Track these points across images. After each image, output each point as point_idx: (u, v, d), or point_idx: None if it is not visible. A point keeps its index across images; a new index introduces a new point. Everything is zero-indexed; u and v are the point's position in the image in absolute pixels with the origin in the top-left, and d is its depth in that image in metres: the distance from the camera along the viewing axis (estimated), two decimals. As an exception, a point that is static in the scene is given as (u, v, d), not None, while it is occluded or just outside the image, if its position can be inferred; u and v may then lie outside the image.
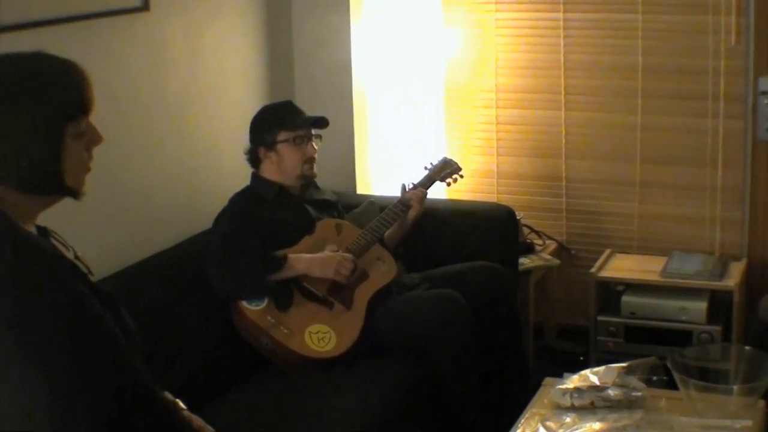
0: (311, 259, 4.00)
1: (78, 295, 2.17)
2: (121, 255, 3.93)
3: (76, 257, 2.37)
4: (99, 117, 2.33)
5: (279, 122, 4.20)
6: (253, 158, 4.23)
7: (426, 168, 4.59)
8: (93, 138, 2.28)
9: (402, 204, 4.34)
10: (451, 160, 4.69)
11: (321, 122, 4.27)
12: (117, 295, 2.36)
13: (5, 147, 2.17)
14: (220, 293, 3.89)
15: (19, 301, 2.09)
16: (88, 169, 2.29)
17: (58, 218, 2.42)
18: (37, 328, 2.09)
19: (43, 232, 2.34)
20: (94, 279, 2.36)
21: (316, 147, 4.24)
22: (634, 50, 5.07)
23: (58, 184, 2.24)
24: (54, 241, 2.35)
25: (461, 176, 4.66)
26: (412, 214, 4.35)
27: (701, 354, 3.52)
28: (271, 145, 4.18)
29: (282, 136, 4.18)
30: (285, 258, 3.94)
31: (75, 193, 2.28)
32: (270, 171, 4.21)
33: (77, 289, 2.18)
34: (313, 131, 4.24)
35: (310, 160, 4.22)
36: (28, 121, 2.17)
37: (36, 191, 2.25)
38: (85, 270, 2.35)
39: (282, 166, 4.19)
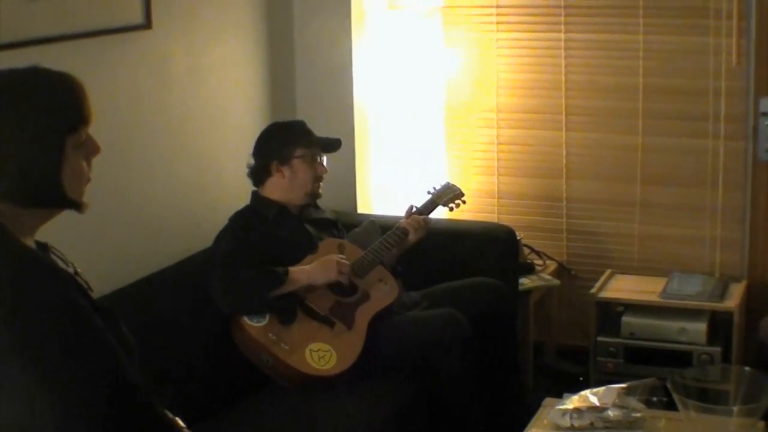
0: (311, 268, 4.02)
1: (76, 304, 2.18)
2: (121, 272, 3.93)
3: (76, 273, 2.38)
4: (101, 134, 2.34)
5: (296, 138, 4.23)
6: (261, 173, 4.23)
7: (429, 192, 4.60)
8: (92, 148, 2.30)
9: (402, 230, 4.35)
10: (453, 185, 4.69)
11: (335, 144, 4.30)
12: (116, 312, 2.37)
13: (7, 160, 2.18)
14: (223, 310, 3.90)
15: (17, 311, 2.10)
16: (89, 180, 2.30)
17: (60, 235, 2.43)
18: (34, 336, 2.10)
19: (43, 247, 2.35)
20: (93, 295, 2.36)
21: (326, 168, 4.27)
22: (635, 71, 5.08)
23: (59, 196, 2.25)
24: (54, 257, 2.36)
25: (464, 202, 4.66)
26: (411, 240, 4.36)
27: (701, 375, 3.52)
28: (286, 160, 4.19)
29: (299, 152, 4.20)
30: (286, 273, 3.94)
31: (77, 205, 2.29)
32: (275, 188, 4.21)
33: (75, 299, 2.19)
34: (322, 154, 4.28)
35: (320, 179, 4.25)
36: (29, 134, 2.19)
37: (38, 204, 2.26)
38: (84, 285, 2.36)
39: (294, 181, 4.20)
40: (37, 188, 2.23)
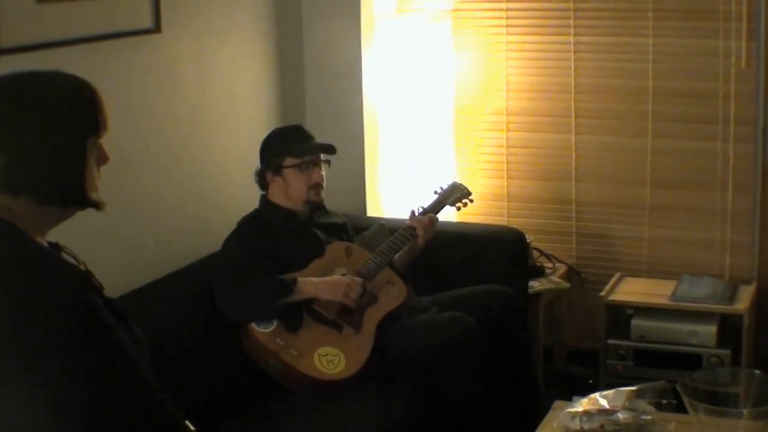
0: (320, 282, 4.00)
1: (90, 302, 2.20)
2: (130, 276, 3.93)
3: (87, 272, 2.39)
4: (110, 138, 2.36)
5: (286, 147, 4.21)
6: (261, 181, 4.24)
7: (436, 192, 4.58)
8: (102, 157, 2.34)
9: (409, 230, 4.33)
10: (460, 184, 4.67)
11: (329, 149, 4.27)
12: (126, 310, 2.38)
13: (32, 159, 2.22)
14: (228, 317, 3.89)
15: (31, 309, 2.11)
16: (97, 187, 2.35)
17: (68, 238, 2.44)
18: (48, 334, 2.11)
19: (55, 247, 2.37)
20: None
21: (323, 173, 4.24)
22: (644, 74, 5.07)
23: (81, 197, 2.30)
24: (66, 256, 2.37)
25: (471, 201, 4.64)
26: (419, 240, 4.34)
27: (711, 378, 3.50)
28: (277, 170, 4.18)
29: (288, 161, 4.18)
30: (295, 282, 3.94)
31: (97, 205, 2.34)
32: (277, 195, 4.21)
33: (89, 297, 2.21)
34: (322, 156, 4.25)
35: (316, 186, 4.21)
36: (55, 133, 2.24)
37: (59, 203, 2.29)
38: (97, 283, 2.37)
39: (288, 191, 4.19)
40: (61, 186, 2.26)
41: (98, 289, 2.32)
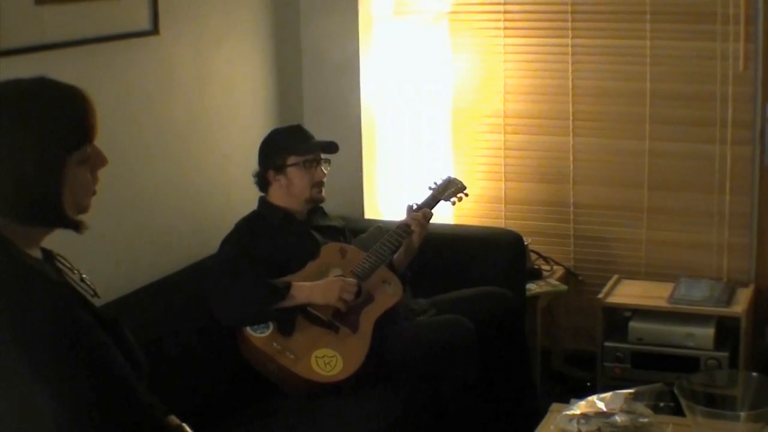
0: (313, 287, 3.98)
1: (77, 321, 2.15)
2: (127, 279, 3.93)
3: (82, 279, 2.36)
4: (108, 139, 2.34)
5: (289, 146, 4.20)
6: (262, 181, 4.23)
7: (430, 188, 4.55)
8: (98, 161, 2.25)
9: (404, 227, 4.32)
10: (455, 179, 4.62)
11: (331, 147, 4.27)
12: (119, 318, 2.35)
13: (6, 178, 2.14)
14: (222, 322, 3.88)
15: (16, 328, 2.07)
16: (94, 192, 2.27)
17: (65, 242, 2.42)
18: (34, 354, 2.07)
19: (48, 255, 2.32)
20: (98, 300, 2.34)
21: (325, 171, 4.24)
22: (642, 76, 5.08)
23: (59, 216, 2.21)
24: (59, 264, 2.34)
25: (466, 195, 4.59)
26: (415, 237, 4.33)
27: (708, 380, 3.51)
28: (280, 169, 4.18)
29: (292, 159, 4.17)
30: (288, 288, 3.92)
31: (76, 226, 2.25)
32: (278, 195, 4.20)
33: (77, 315, 2.16)
34: (323, 156, 4.24)
35: (319, 184, 4.22)
36: (31, 152, 2.14)
37: (37, 223, 2.23)
38: (90, 292, 2.34)
39: (291, 189, 4.18)
40: (36, 208, 2.19)
41: (87, 302, 2.28)
